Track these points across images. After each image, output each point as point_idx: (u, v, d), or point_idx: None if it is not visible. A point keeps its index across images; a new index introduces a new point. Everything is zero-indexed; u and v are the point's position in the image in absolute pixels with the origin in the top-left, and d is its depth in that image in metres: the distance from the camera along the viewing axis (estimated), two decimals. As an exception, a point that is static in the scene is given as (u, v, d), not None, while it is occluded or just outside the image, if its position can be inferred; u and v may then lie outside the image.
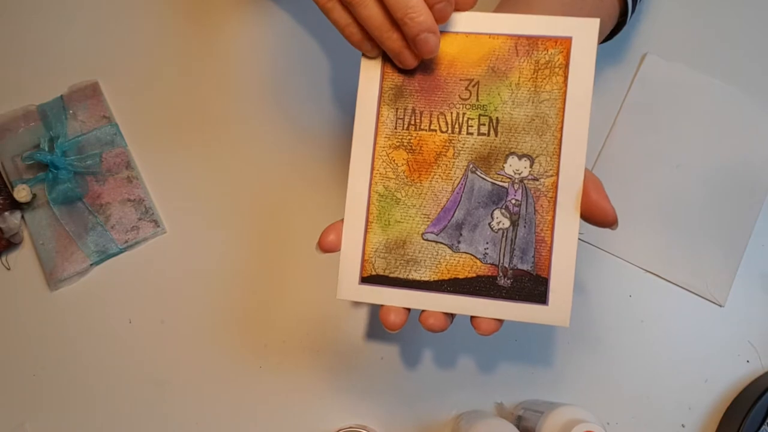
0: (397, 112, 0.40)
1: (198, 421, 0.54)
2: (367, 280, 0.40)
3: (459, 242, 0.39)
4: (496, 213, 0.39)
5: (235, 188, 0.57)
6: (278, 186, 0.57)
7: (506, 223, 0.39)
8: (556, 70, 0.38)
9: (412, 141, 0.40)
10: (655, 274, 0.55)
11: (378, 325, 0.55)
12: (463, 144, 0.39)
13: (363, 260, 0.40)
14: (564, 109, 0.38)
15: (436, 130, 0.40)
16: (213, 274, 0.56)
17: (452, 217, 0.39)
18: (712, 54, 0.58)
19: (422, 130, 0.40)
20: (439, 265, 0.39)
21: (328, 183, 0.57)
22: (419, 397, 0.54)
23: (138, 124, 0.59)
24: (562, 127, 0.38)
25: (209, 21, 0.60)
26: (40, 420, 0.55)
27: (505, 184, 0.39)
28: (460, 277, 0.39)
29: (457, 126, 0.39)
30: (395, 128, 0.40)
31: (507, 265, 0.38)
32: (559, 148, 0.38)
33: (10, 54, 0.60)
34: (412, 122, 0.40)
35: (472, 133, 0.39)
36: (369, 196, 0.40)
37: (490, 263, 0.39)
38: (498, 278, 0.38)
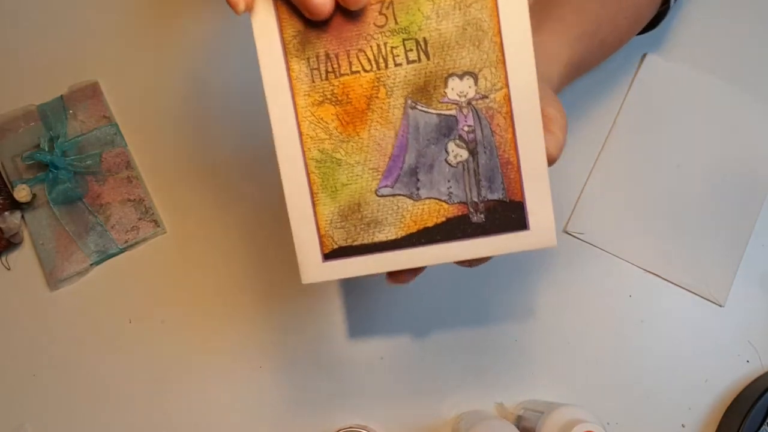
0: (308, 62, 0.34)
1: (198, 421, 0.54)
2: (330, 255, 0.36)
3: (418, 189, 0.35)
4: (450, 145, 0.34)
5: (235, 188, 0.57)
6: (279, 185, 0.57)
7: (464, 154, 0.34)
8: None
9: (335, 91, 0.34)
10: (655, 274, 0.55)
11: (378, 324, 0.55)
12: (394, 79, 0.34)
13: (320, 236, 0.36)
14: (497, 6, 0.32)
15: (359, 71, 0.34)
16: (213, 274, 0.56)
17: (403, 163, 0.35)
18: (713, 54, 0.58)
19: (344, 75, 0.34)
20: (403, 219, 0.35)
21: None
22: (419, 397, 0.54)
23: (138, 124, 0.59)
24: (500, 30, 0.32)
25: (210, 21, 0.60)
26: (40, 420, 0.55)
27: (452, 112, 0.34)
28: (429, 225, 0.35)
29: (381, 60, 0.34)
30: (312, 81, 0.34)
31: (476, 200, 0.34)
32: (503, 55, 0.33)
33: (10, 54, 0.60)
34: (330, 69, 0.34)
35: (400, 64, 0.34)
36: (306, 166, 0.36)
37: (457, 202, 0.35)
38: (470, 215, 0.34)
